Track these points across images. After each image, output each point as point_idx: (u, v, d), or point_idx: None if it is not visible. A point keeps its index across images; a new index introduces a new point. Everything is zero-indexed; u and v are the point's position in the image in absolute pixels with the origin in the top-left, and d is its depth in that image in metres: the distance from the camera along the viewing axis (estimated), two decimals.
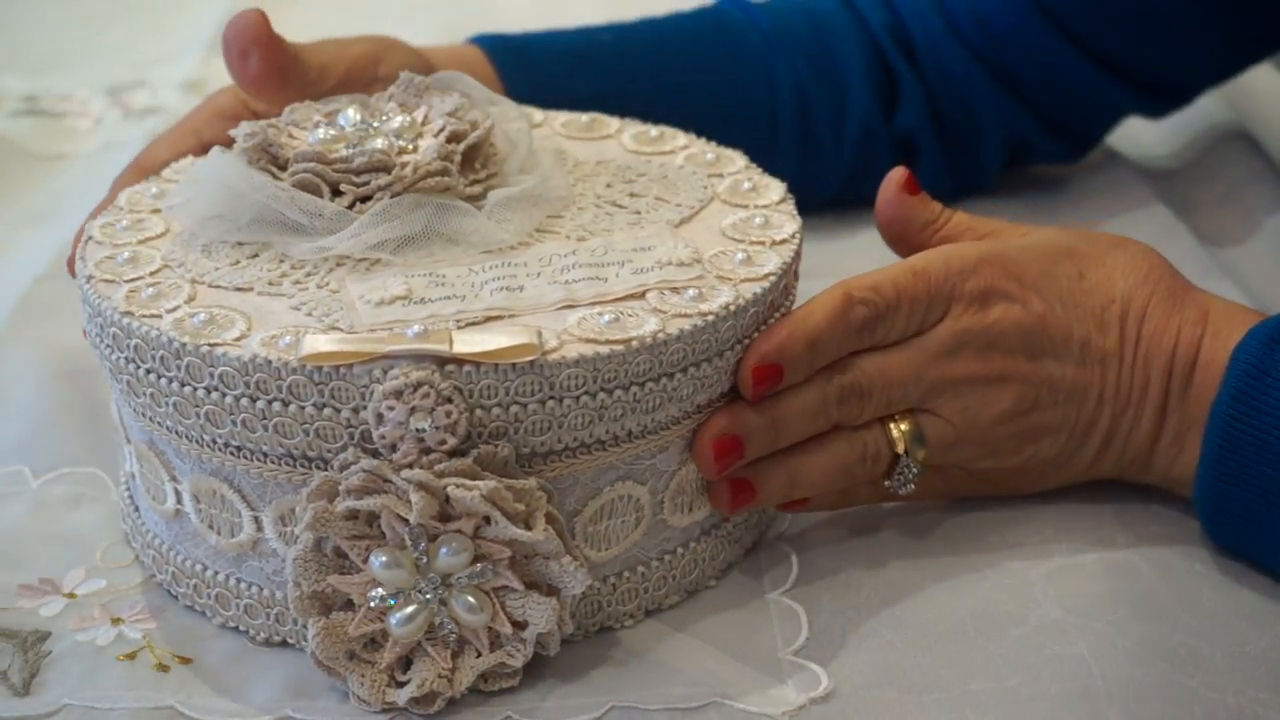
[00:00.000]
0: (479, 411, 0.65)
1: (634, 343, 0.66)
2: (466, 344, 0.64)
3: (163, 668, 0.69)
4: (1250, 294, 0.94)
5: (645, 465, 0.69)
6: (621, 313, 0.68)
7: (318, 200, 0.72)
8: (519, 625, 0.66)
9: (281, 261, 0.71)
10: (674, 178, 0.79)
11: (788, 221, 0.75)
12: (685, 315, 0.68)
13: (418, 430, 0.64)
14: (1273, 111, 1.09)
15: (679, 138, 0.84)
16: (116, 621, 0.72)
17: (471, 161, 0.75)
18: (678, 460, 0.71)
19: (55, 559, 0.75)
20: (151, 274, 0.71)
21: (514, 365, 0.64)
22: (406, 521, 0.65)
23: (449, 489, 0.64)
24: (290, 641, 0.70)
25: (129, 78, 1.29)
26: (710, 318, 0.68)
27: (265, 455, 0.67)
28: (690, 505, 0.72)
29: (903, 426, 0.73)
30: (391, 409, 0.63)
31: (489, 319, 0.67)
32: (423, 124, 0.76)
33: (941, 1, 1.01)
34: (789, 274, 0.73)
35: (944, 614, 0.72)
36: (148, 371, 0.67)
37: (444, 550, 0.65)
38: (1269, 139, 1.08)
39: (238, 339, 0.66)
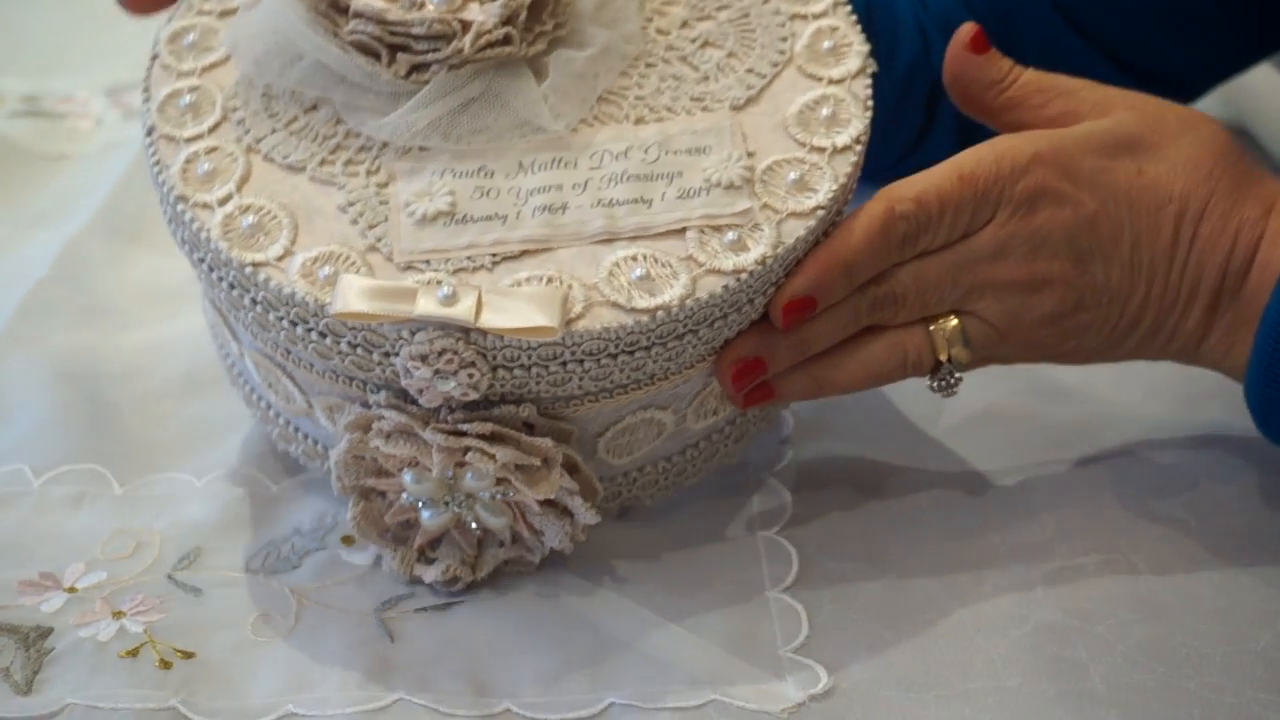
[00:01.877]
0: (501, 371, 0.66)
1: (659, 313, 0.66)
2: (491, 316, 0.65)
3: (165, 664, 0.69)
4: None
5: (668, 394, 0.70)
6: (654, 262, 0.67)
7: (374, 65, 0.70)
8: (537, 532, 0.69)
9: (338, 125, 0.71)
10: (754, 20, 0.75)
11: (856, 116, 0.72)
12: (718, 271, 0.67)
13: (442, 388, 0.66)
14: (1272, 111, 1.08)
15: None
16: (118, 615, 0.72)
17: (539, 12, 0.72)
18: (700, 384, 0.71)
19: (56, 557, 0.75)
20: (210, 130, 0.71)
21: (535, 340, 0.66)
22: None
23: (469, 457, 0.66)
24: (342, 499, 0.72)
25: (129, 78, 1.28)
26: (743, 275, 0.67)
27: (311, 365, 0.69)
28: (714, 410, 0.72)
29: (946, 328, 0.71)
30: (418, 368, 0.65)
31: (525, 253, 0.68)
32: None
33: None
34: (843, 196, 0.70)
35: (944, 614, 0.72)
36: (201, 260, 0.69)
37: (469, 475, 0.68)
38: (1269, 138, 1.08)
39: (280, 258, 0.67)
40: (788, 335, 0.69)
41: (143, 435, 0.84)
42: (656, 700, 0.67)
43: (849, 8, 0.76)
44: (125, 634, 0.71)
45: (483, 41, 0.70)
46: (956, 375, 0.72)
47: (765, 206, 0.69)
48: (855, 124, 0.72)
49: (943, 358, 0.72)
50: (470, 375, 0.66)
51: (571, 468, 0.69)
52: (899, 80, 0.98)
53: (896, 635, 0.70)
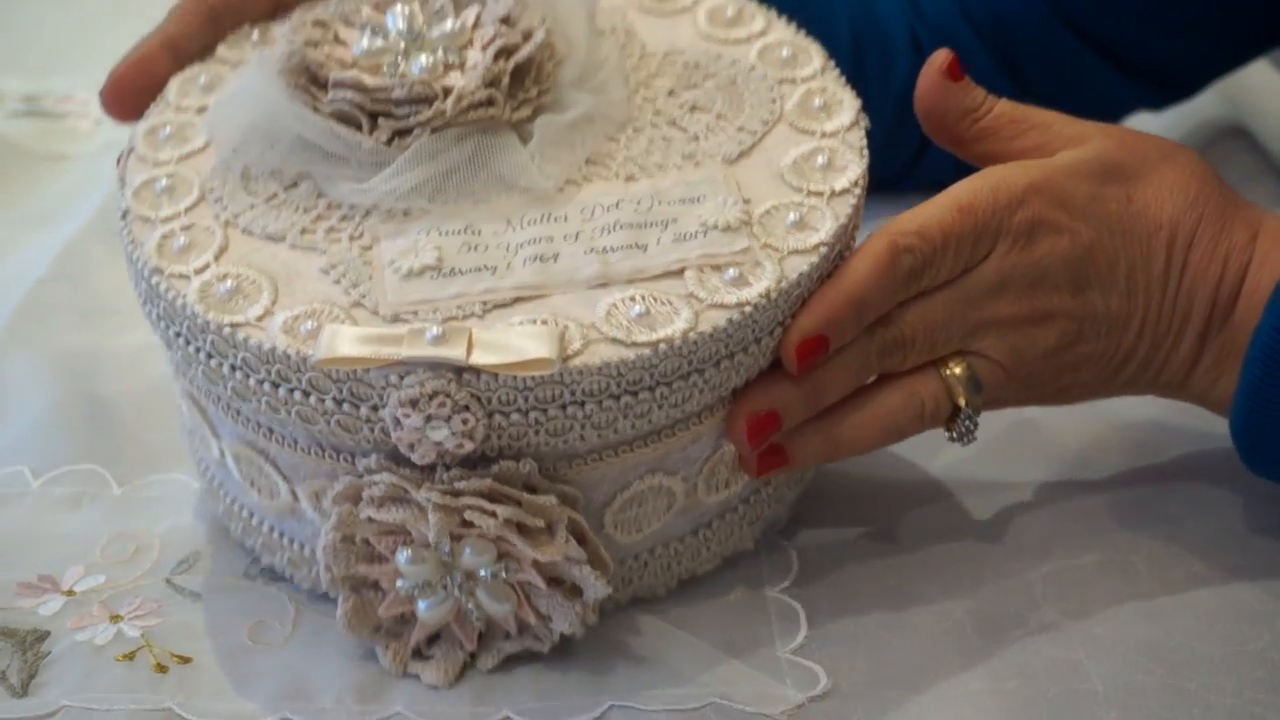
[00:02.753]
0: (497, 417, 0.64)
1: (661, 345, 0.64)
2: (484, 353, 0.63)
3: (161, 668, 0.69)
4: None
5: (676, 457, 0.68)
6: (654, 300, 0.65)
7: (355, 134, 0.70)
8: (544, 617, 0.67)
9: (319, 199, 0.70)
10: (741, 85, 0.75)
11: (852, 161, 0.71)
12: (721, 306, 0.65)
13: (434, 437, 0.63)
14: (1272, 110, 1.08)
15: (757, 19, 0.78)
16: (115, 619, 0.72)
17: (522, 80, 0.71)
18: (711, 446, 0.69)
19: (55, 558, 0.75)
20: (187, 210, 0.70)
21: (533, 376, 0.63)
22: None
23: (466, 514, 0.64)
24: (333, 596, 0.69)
25: None
26: (748, 309, 0.65)
27: (295, 442, 0.67)
28: (726, 482, 0.71)
29: (957, 372, 0.70)
30: (408, 416, 0.63)
31: (518, 300, 0.66)
32: (474, 28, 0.72)
33: None
34: (845, 236, 0.69)
35: (943, 614, 0.72)
36: (177, 335, 0.67)
37: (468, 550, 0.65)
38: (1268, 138, 1.07)
39: (260, 318, 0.65)
40: (800, 384, 0.68)
41: (142, 436, 0.84)
42: (655, 703, 0.67)
43: (837, 71, 0.76)
44: (122, 638, 0.71)
45: (465, 103, 0.69)
46: (974, 420, 0.71)
47: (765, 246, 0.67)
48: (852, 169, 0.71)
49: (960, 402, 0.71)
50: (465, 421, 0.63)
51: (579, 536, 0.66)
52: (895, 99, 0.98)
53: (895, 636, 0.70)
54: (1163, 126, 1.13)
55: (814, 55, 0.76)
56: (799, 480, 0.75)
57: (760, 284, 0.66)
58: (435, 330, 0.63)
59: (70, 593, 0.73)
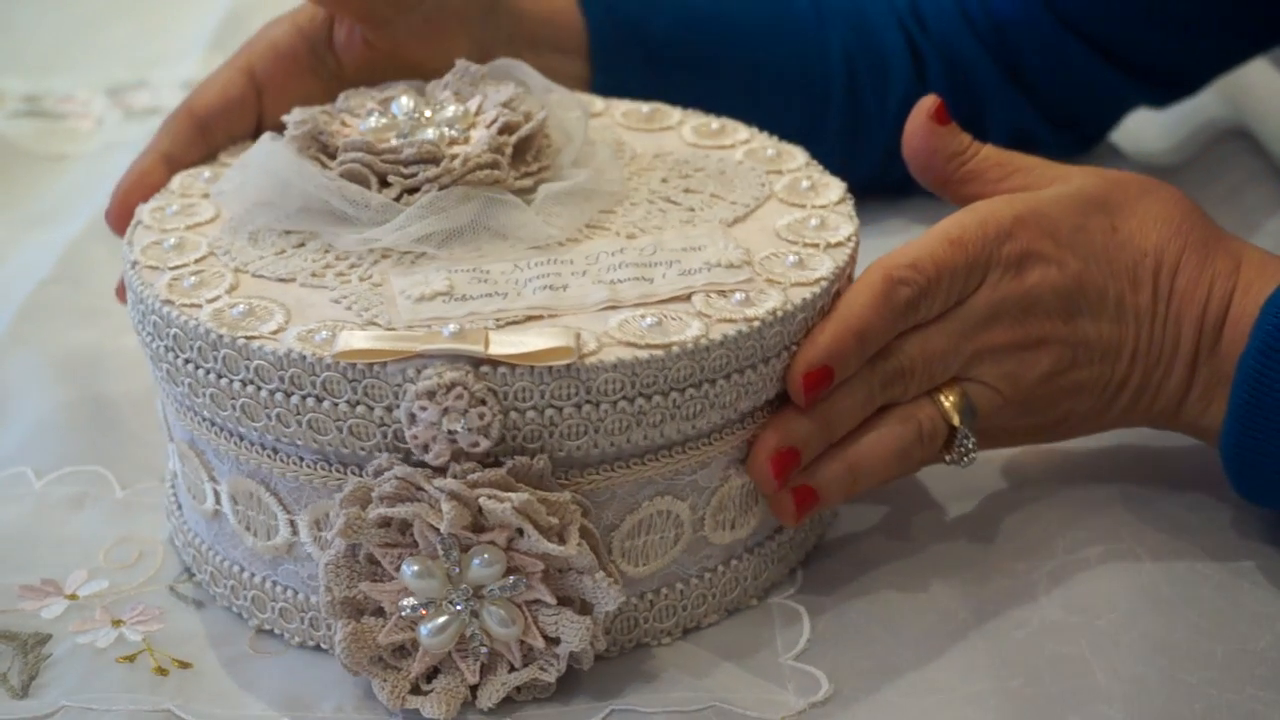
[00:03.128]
0: (513, 414, 0.64)
1: (675, 348, 0.65)
2: (502, 345, 0.64)
3: (161, 671, 0.69)
4: None
5: (686, 481, 0.68)
6: (665, 315, 0.67)
7: (364, 191, 0.71)
8: (551, 641, 0.66)
9: (327, 252, 0.71)
10: (731, 174, 0.78)
11: (845, 223, 0.74)
12: (730, 320, 0.67)
13: (450, 432, 0.63)
14: (1273, 111, 1.08)
15: (740, 131, 0.81)
16: (117, 623, 0.72)
17: (523, 154, 0.74)
18: (719, 477, 0.69)
19: (58, 560, 0.76)
20: (196, 261, 0.71)
21: (550, 368, 0.64)
22: (439, 531, 0.64)
23: (481, 500, 0.64)
24: (324, 647, 0.70)
25: (130, 78, 1.29)
26: (756, 324, 0.67)
27: (301, 459, 0.67)
28: (733, 523, 0.71)
29: (951, 398, 0.72)
30: (424, 409, 0.63)
31: (529, 318, 0.67)
32: (476, 114, 0.75)
33: None
34: (843, 278, 0.71)
35: (945, 614, 0.72)
36: (186, 361, 0.67)
37: (476, 561, 0.65)
38: (1269, 139, 1.07)
39: (274, 332, 0.66)
40: (811, 417, 0.69)
41: (145, 437, 0.84)
42: (656, 706, 0.67)
43: (821, 167, 0.79)
44: (124, 642, 0.71)
45: (472, 164, 0.71)
46: (971, 442, 0.72)
47: (768, 279, 0.69)
48: (845, 228, 0.73)
49: (955, 422, 0.72)
50: (481, 416, 0.63)
51: (591, 545, 0.65)
52: (892, 118, 0.98)
53: (898, 638, 0.70)
54: (1164, 128, 1.14)
55: (798, 154, 0.80)
56: (800, 544, 0.75)
57: (767, 304, 0.67)
58: (453, 327, 0.64)
59: (73, 597, 0.73)
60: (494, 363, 0.64)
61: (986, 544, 0.76)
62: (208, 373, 0.67)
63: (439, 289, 0.68)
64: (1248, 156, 1.07)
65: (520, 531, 0.64)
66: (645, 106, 0.84)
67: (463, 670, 0.66)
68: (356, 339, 0.64)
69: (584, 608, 0.66)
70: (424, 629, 0.65)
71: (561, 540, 0.64)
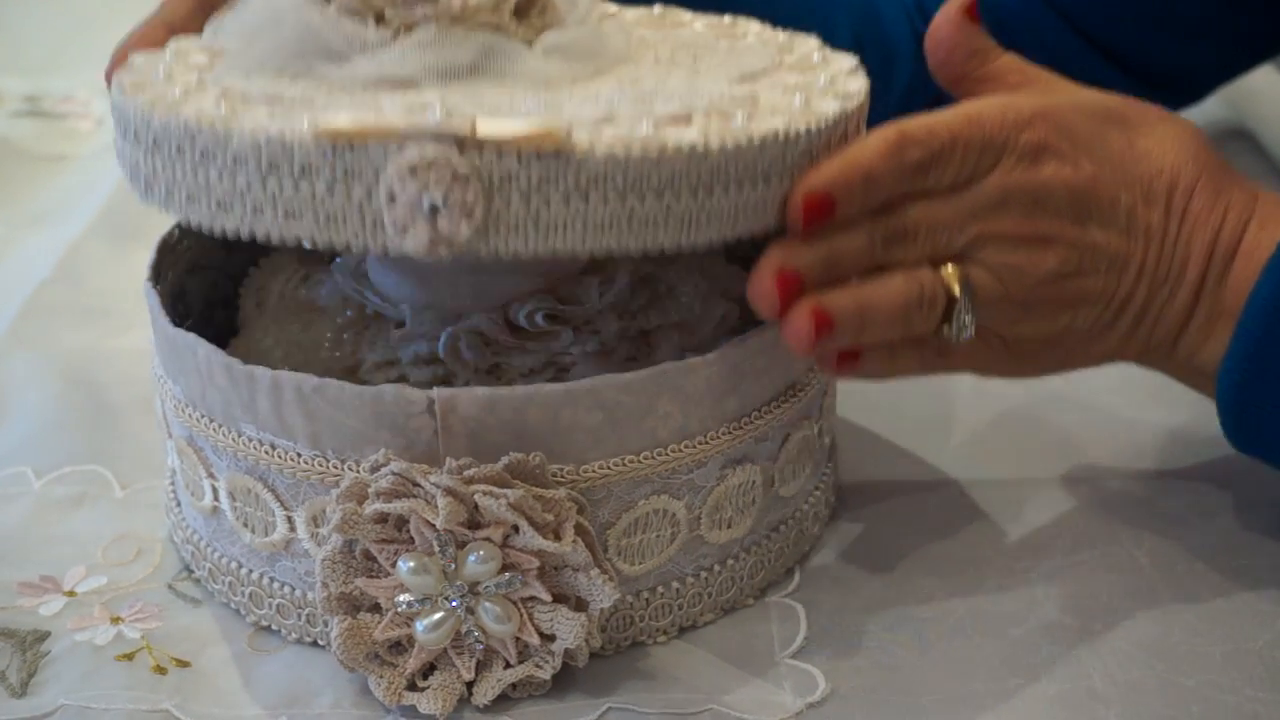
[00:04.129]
0: (498, 200, 0.61)
1: (669, 146, 0.62)
2: (489, 127, 0.61)
3: (160, 669, 0.69)
4: None
5: (682, 480, 0.68)
6: (663, 126, 0.64)
7: (360, 27, 0.69)
8: (547, 638, 0.66)
9: (319, 85, 0.68)
10: (742, 49, 0.76)
11: (855, 82, 0.72)
12: (733, 134, 0.64)
13: (431, 209, 0.61)
14: (1273, 111, 1.09)
15: (753, 24, 0.80)
16: (116, 620, 0.72)
17: (526, 11, 0.71)
18: (715, 476, 0.69)
19: (57, 557, 0.76)
20: (184, 86, 0.68)
21: (538, 154, 0.61)
22: (435, 527, 0.64)
23: (477, 497, 0.64)
24: (320, 643, 0.70)
25: None
26: (756, 140, 0.64)
27: (299, 454, 0.67)
28: (729, 522, 0.71)
29: (953, 270, 0.70)
30: (405, 186, 0.61)
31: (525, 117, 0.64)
32: None
33: None
34: (851, 124, 0.69)
35: (943, 614, 0.72)
36: (164, 163, 0.65)
37: (472, 558, 0.65)
38: (1269, 138, 1.08)
39: (255, 124, 0.63)
40: (813, 247, 0.68)
41: (145, 437, 0.84)
42: (653, 706, 0.67)
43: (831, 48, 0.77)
44: (122, 639, 0.71)
45: (474, 5, 0.68)
46: (969, 316, 0.70)
47: (773, 112, 0.67)
48: (857, 84, 0.72)
49: (955, 292, 0.70)
50: (464, 195, 0.60)
51: (586, 543, 0.65)
52: (896, 103, 0.99)
53: (895, 637, 0.70)
54: None
55: (810, 40, 0.78)
56: (795, 546, 0.75)
57: (769, 124, 0.65)
58: (439, 109, 0.62)
59: (71, 594, 0.73)
60: (480, 144, 0.61)
61: (984, 544, 0.76)
62: (184, 169, 0.64)
63: (431, 102, 0.64)
64: (1248, 158, 1.08)
65: (516, 528, 0.64)
66: (656, 8, 0.81)
67: (458, 667, 0.66)
68: (340, 119, 0.61)
69: (579, 605, 0.66)
70: (420, 625, 0.65)
71: (557, 537, 0.64)
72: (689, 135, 0.63)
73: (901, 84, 0.99)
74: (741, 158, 0.64)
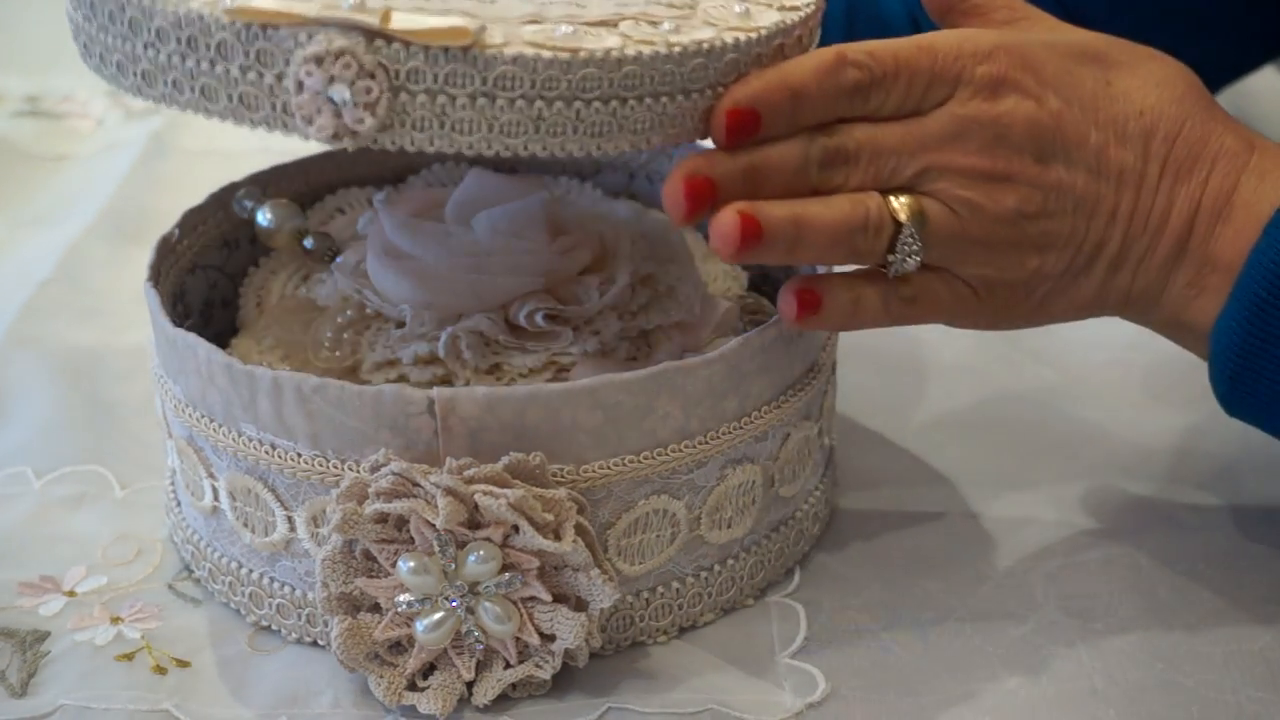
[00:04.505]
0: (404, 95, 0.62)
1: (582, 53, 0.62)
2: (399, 21, 0.61)
3: (160, 669, 0.69)
4: None
5: (682, 480, 0.68)
6: (585, 30, 0.63)
7: None
8: (547, 638, 0.66)
9: None
10: None
11: (811, 3, 0.70)
12: (650, 42, 0.63)
13: (334, 101, 0.61)
14: (1273, 111, 1.08)
15: None
16: (116, 620, 0.72)
17: None
18: (716, 476, 0.69)
19: (57, 557, 0.76)
20: None
21: (446, 51, 0.61)
22: (435, 527, 0.64)
23: (477, 496, 0.64)
24: (320, 643, 0.70)
25: None
26: (677, 49, 0.63)
27: (299, 454, 0.67)
28: (729, 522, 0.71)
29: (903, 199, 0.67)
30: (310, 76, 0.61)
31: (447, 12, 0.63)
32: None
33: None
34: (791, 38, 0.68)
35: (943, 614, 0.72)
36: (98, 28, 0.65)
37: (472, 557, 0.65)
38: (1269, 138, 1.07)
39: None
40: (735, 158, 0.66)
41: (144, 436, 0.84)
42: (654, 707, 0.67)
43: None
44: (122, 639, 0.71)
45: None
46: (917, 245, 0.68)
47: (707, 21, 0.66)
48: (810, 5, 0.70)
49: (902, 218, 0.67)
50: (369, 89, 0.60)
51: (586, 543, 0.65)
52: None
53: (895, 636, 0.70)
54: None
55: None
56: (796, 547, 0.75)
57: (695, 35, 0.64)
58: (352, 1, 0.62)
59: (71, 594, 0.73)
60: (388, 37, 0.61)
61: (984, 545, 0.76)
62: (115, 39, 0.65)
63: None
64: None
65: (516, 528, 0.64)
66: None
67: (458, 666, 0.66)
68: (256, 1, 0.62)
69: (579, 605, 0.66)
70: (420, 625, 0.65)
71: (557, 537, 0.64)
72: (607, 42, 0.62)
73: None
74: (659, 68, 0.63)
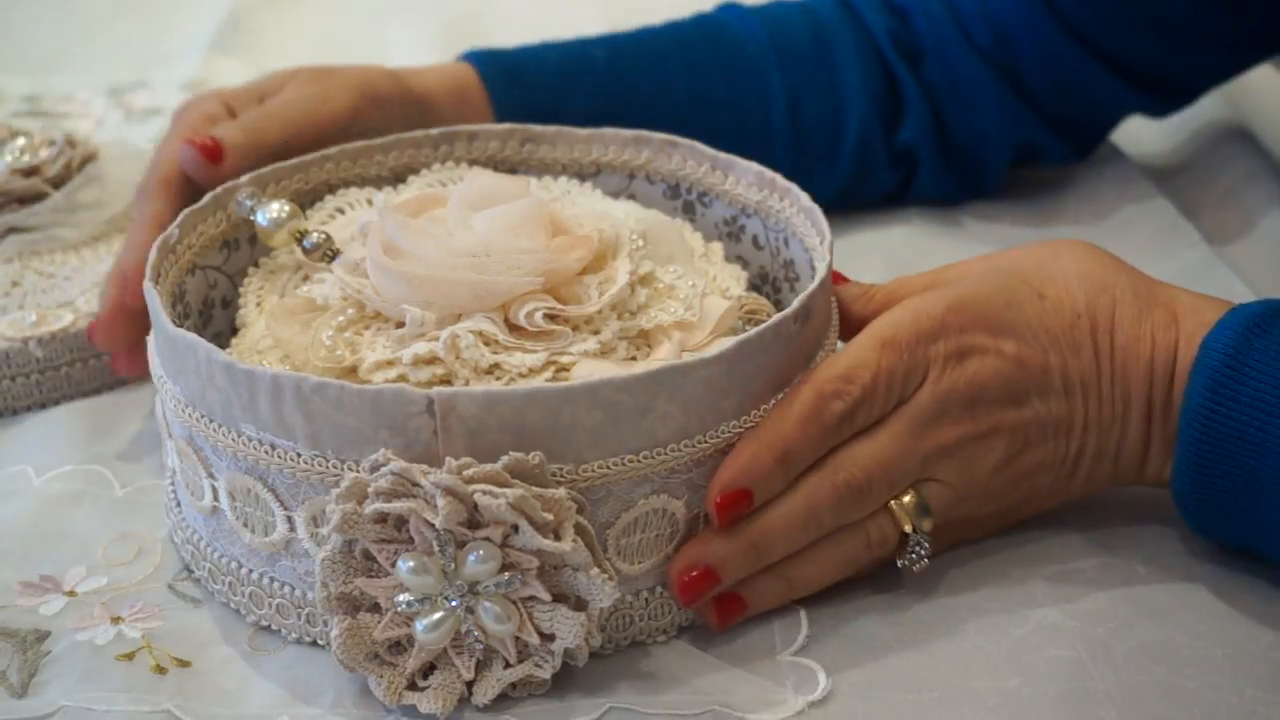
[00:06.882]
0: None
1: None
2: None
3: (160, 670, 0.69)
4: (1251, 293, 0.94)
5: (681, 480, 0.68)
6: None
7: None
8: (546, 637, 0.66)
9: None
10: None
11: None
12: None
13: None
14: (1273, 111, 1.08)
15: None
16: (116, 620, 0.72)
17: None
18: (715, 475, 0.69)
19: (57, 556, 0.76)
20: None
21: None
22: (434, 527, 0.64)
23: (476, 496, 0.64)
24: (320, 643, 0.70)
25: (130, 78, 1.29)
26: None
27: (299, 454, 0.67)
28: None
29: (905, 501, 0.70)
30: None
31: None
32: None
33: (951, 1, 1.01)
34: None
35: (944, 614, 0.72)
36: None
37: (471, 557, 0.65)
38: (1269, 138, 1.07)
39: None
40: (735, 538, 0.68)
41: (145, 436, 0.84)
42: (655, 707, 0.67)
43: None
44: (123, 639, 0.71)
45: None
46: (924, 548, 0.71)
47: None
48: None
49: (907, 529, 0.71)
50: None
51: (586, 542, 0.65)
52: (846, 160, 1.00)
53: (896, 636, 0.70)
54: (1163, 129, 1.14)
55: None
56: None
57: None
58: None
59: (72, 593, 0.73)
60: None
61: (985, 545, 0.75)
62: None
63: None
64: (1247, 156, 1.07)
65: (515, 528, 0.64)
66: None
67: (458, 666, 0.66)
68: None
69: (579, 604, 0.66)
70: (419, 625, 0.65)
71: (557, 536, 0.64)
72: None
73: (852, 136, 0.99)
74: None
